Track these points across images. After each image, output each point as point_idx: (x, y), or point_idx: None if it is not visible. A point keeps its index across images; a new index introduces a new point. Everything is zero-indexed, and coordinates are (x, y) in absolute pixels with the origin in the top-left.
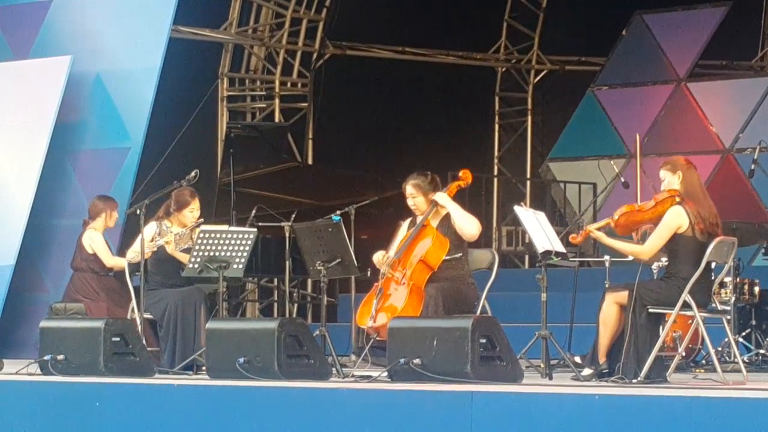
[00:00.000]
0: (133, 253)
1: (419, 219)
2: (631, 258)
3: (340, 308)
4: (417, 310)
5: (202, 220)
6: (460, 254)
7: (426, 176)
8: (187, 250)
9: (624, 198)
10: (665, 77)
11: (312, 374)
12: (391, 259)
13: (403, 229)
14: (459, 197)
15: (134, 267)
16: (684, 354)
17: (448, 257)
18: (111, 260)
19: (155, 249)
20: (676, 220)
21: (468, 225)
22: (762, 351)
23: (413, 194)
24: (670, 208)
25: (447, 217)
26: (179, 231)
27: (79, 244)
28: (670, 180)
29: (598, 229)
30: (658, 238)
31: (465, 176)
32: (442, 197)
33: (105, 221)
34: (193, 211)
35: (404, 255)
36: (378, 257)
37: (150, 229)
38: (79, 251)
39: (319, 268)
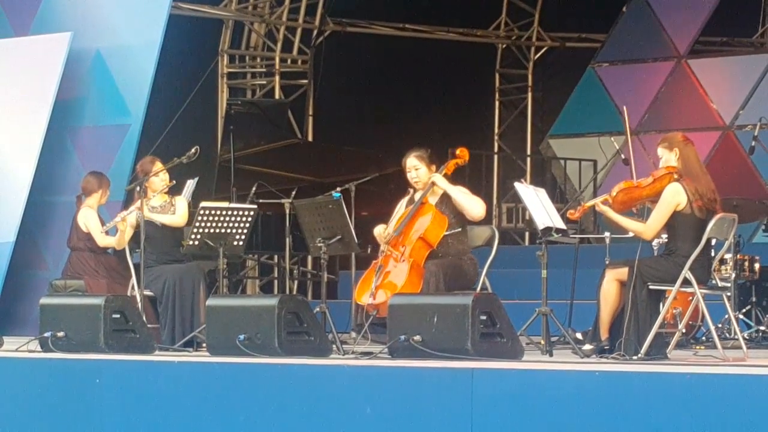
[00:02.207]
0: (108, 230)
1: (417, 195)
2: (631, 234)
3: (340, 285)
4: (417, 287)
5: (173, 182)
6: (460, 228)
7: (426, 150)
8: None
9: (624, 175)
10: (666, 54)
11: (312, 351)
12: (390, 236)
13: (401, 208)
14: (460, 174)
15: (134, 244)
16: (684, 331)
17: (447, 233)
18: (104, 240)
19: (127, 217)
20: (675, 197)
21: (473, 206)
22: (762, 327)
23: (416, 166)
24: (668, 185)
25: (446, 194)
26: (154, 197)
27: (75, 224)
28: (668, 157)
29: (596, 204)
30: (659, 217)
31: (462, 154)
32: (441, 179)
33: (99, 198)
34: (158, 175)
35: (403, 232)
36: (379, 230)
37: (132, 207)
38: (75, 230)
39: (319, 244)
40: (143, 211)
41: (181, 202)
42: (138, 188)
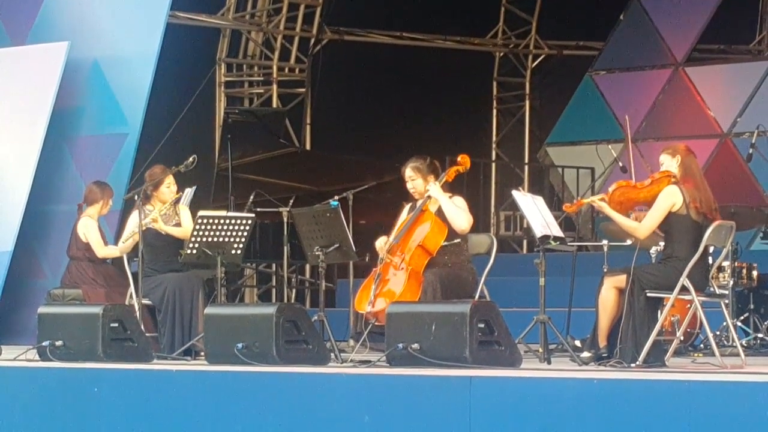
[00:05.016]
0: (123, 243)
1: (418, 203)
2: (629, 242)
3: (338, 293)
4: (415, 295)
5: (180, 194)
6: (459, 239)
7: (425, 159)
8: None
9: None
10: (663, 61)
11: (310, 359)
12: (390, 244)
13: (404, 213)
14: (458, 183)
15: (132, 253)
16: (682, 338)
17: (446, 243)
18: (103, 251)
19: (144, 229)
20: (670, 198)
21: (458, 219)
22: (760, 335)
23: (412, 177)
24: (665, 187)
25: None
26: (162, 208)
27: (74, 233)
28: (669, 164)
29: (593, 201)
30: (654, 216)
31: (463, 161)
32: (435, 190)
33: (100, 209)
34: (169, 186)
35: (403, 240)
36: (380, 243)
37: (135, 218)
38: (74, 240)
39: (317, 253)
40: (159, 221)
41: (185, 210)
42: (136, 197)
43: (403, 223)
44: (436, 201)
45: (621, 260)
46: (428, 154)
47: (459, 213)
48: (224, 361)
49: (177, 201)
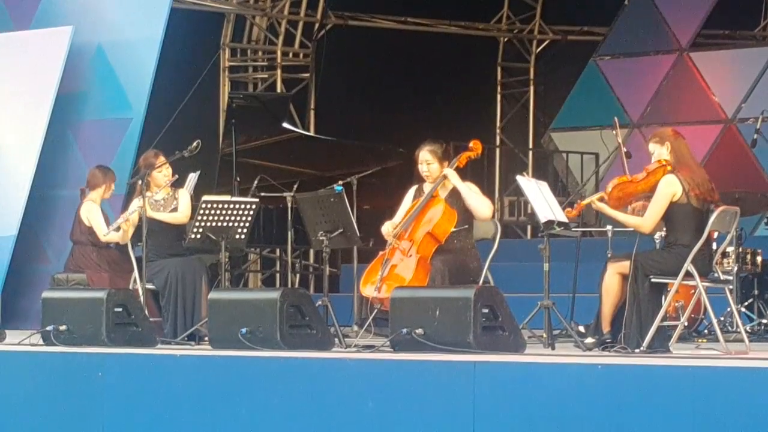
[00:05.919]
0: (113, 231)
1: (426, 186)
2: (632, 228)
3: (342, 279)
4: (423, 282)
5: (176, 176)
6: (467, 225)
7: (441, 144)
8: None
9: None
10: (667, 47)
11: (314, 344)
12: (399, 230)
13: (408, 197)
14: (462, 168)
15: (135, 238)
16: (686, 324)
17: (455, 229)
18: (106, 236)
19: (130, 217)
20: (670, 188)
21: (482, 207)
22: (764, 321)
23: (428, 160)
24: (663, 177)
25: (456, 189)
26: (157, 193)
27: (78, 217)
28: (659, 152)
29: (592, 202)
30: (656, 209)
31: (475, 147)
32: (453, 175)
33: (103, 193)
34: (161, 170)
35: (412, 225)
36: (387, 228)
37: (136, 205)
38: (77, 224)
39: (321, 238)
40: (146, 208)
41: (184, 196)
42: (140, 182)
43: (412, 207)
44: (447, 185)
45: (625, 246)
46: (432, 140)
47: (481, 201)
48: (228, 346)
49: (176, 185)
